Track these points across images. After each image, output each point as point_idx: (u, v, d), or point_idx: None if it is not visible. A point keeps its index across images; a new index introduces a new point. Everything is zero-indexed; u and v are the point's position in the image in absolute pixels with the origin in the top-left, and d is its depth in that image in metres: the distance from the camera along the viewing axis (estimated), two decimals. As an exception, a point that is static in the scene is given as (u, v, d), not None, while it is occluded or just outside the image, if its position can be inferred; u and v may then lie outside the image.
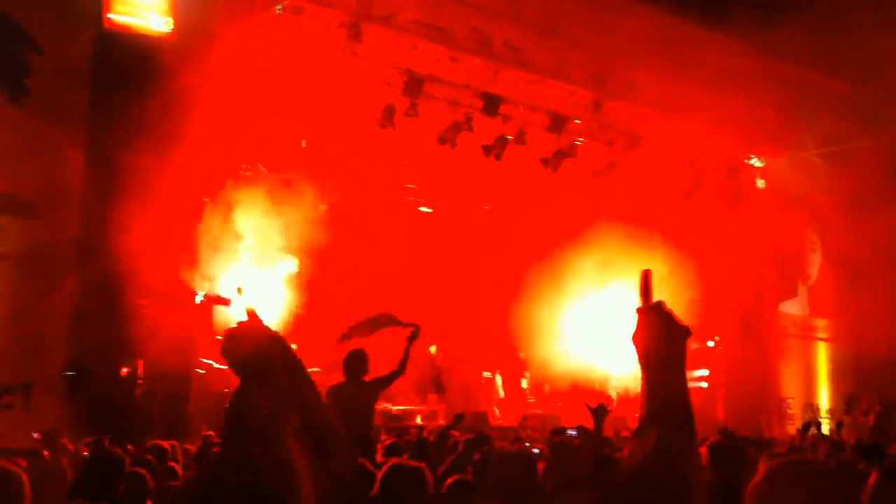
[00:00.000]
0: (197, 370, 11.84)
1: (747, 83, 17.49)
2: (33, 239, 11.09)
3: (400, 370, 8.44)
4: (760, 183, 20.14)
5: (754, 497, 2.46)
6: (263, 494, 2.88)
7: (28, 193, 10.94)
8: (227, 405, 3.13)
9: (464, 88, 16.10)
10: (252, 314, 3.22)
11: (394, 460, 4.23)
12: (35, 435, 8.05)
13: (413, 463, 4.09)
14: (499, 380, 18.46)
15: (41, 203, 10.98)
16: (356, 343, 8.42)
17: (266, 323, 3.27)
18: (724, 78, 16.82)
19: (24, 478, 3.82)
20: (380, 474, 4.00)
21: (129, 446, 7.93)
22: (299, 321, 15.16)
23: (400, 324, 8.53)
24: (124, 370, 10.85)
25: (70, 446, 8.17)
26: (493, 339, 18.31)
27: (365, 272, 15.67)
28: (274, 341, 3.28)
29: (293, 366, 3.32)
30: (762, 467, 2.53)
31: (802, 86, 18.61)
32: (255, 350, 3.17)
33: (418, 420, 14.74)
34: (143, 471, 5.80)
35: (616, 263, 18.16)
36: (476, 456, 6.53)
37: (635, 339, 2.97)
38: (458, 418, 8.43)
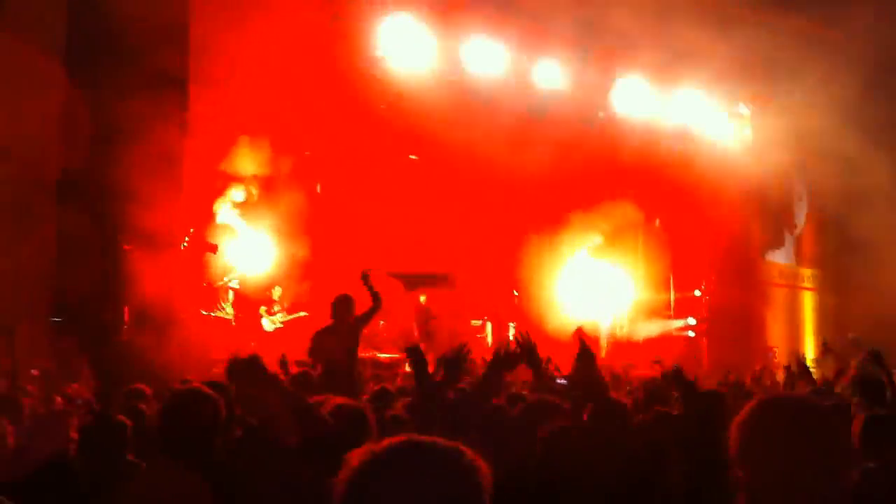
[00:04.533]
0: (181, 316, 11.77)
1: (735, 32, 17.35)
2: (12, 183, 10.86)
3: (375, 304, 8.70)
4: (747, 132, 20.07)
5: (739, 432, 2.45)
6: None
7: (4, 137, 10.65)
8: None
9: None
10: None
11: (336, 400, 3.94)
12: (34, 372, 8.02)
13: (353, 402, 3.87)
14: (489, 327, 18.47)
15: (19, 146, 10.70)
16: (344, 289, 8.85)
17: None
18: (713, 27, 16.66)
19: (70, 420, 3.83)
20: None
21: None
22: (295, 267, 15.14)
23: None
24: (109, 316, 10.77)
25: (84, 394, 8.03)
26: (483, 288, 18.27)
27: (354, 222, 15.58)
28: None
29: None
30: (747, 405, 2.53)
31: (790, 34, 18.47)
32: None
33: (407, 368, 14.71)
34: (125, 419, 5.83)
35: (606, 216, 18.17)
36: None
37: None
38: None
